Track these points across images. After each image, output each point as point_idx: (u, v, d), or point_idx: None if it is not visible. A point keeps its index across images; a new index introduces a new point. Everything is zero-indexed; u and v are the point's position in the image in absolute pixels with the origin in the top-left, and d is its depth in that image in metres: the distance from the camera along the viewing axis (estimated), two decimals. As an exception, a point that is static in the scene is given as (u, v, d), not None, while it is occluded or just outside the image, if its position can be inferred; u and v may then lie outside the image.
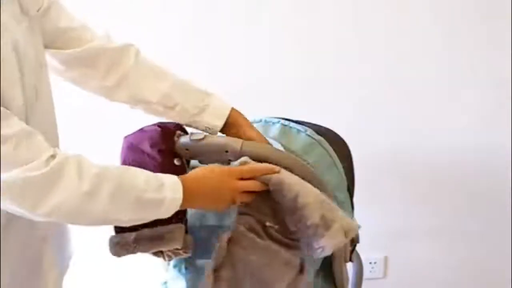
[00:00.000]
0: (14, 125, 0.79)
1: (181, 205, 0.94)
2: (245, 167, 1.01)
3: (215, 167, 1.01)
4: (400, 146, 1.74)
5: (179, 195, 0.93)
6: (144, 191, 0.90)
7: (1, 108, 0.78)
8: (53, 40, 1.01)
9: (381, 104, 1.69)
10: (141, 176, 0.92)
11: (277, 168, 1.01)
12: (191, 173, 1.00)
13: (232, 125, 1.09)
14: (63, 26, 1.02)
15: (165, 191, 0.92)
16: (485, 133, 1.74)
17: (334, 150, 1.23)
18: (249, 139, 1.07)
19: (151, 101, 1.07)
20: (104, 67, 1.05)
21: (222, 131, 1.11)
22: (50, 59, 1.03)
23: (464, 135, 1.74)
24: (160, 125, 1.08)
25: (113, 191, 0.87)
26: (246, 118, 1.11)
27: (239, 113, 1.11)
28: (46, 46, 0.99)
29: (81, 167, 0.85)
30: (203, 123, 1.08)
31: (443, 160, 1.75)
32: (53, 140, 0.94)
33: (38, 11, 0.94)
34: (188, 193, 0.94)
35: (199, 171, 1.00)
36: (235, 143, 1.04)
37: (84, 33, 1.05)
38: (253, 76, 1.64)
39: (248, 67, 1.63)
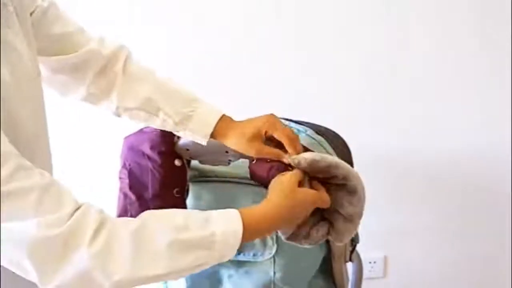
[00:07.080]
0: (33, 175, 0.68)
1: (248, 235, 0.78)
2: (294, 172, 0.88)
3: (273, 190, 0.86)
4: (400, 145, 1.74)
5: (237, 226, 0.76)
6: (178, 232, 0.73)
7: (21, 160, 0.68)
8: (47, 46, 0.92)
9: (381, 104, 1.69)
10: (178, 215, 0.76)
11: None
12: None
13: (218, 135, 0.96)
14: (59, 32, 0.93)
15: (212, 225, 0.75)
16: (485, 133, 1.74)
17: (334, 150, 1.22)
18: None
19: (131, 107, 0.96)
20: (92, 73, 0.96)
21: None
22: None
23: (464, 135, 1.74)
24: (160, 126, 1.07)
25: (133, 244, 0.71)
26: (234, 127, 0.95)
27: (230, 120, 0.96)
28: (39, 53, 0.88)
29: (100, 222, 0.70)
30: (188, 132, 0.96)
31: (443, 160, 1.75)
32: (45, 147, 0.86)
33: (31, 14, 0.86)
34: (253, 223, 0.79)
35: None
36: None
37: (80, 38, 0.95)
38: (253, 76, 1.64)
39: (247, 67, 1.63)
